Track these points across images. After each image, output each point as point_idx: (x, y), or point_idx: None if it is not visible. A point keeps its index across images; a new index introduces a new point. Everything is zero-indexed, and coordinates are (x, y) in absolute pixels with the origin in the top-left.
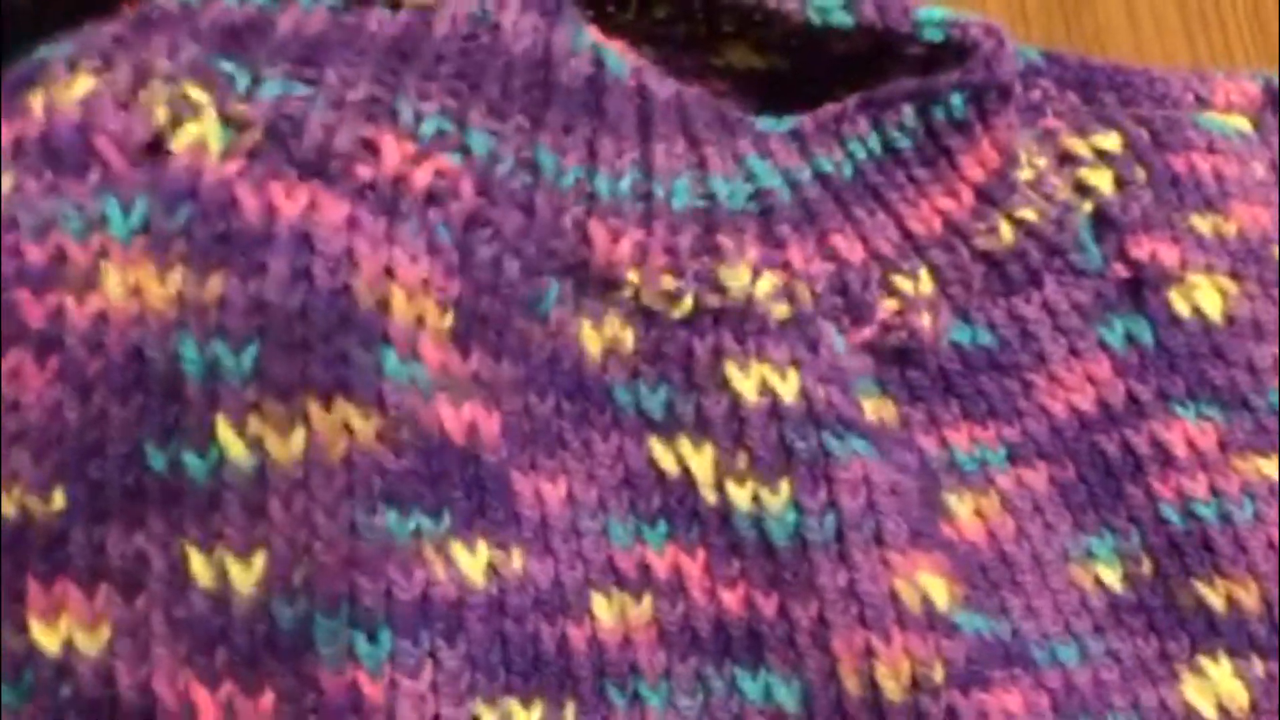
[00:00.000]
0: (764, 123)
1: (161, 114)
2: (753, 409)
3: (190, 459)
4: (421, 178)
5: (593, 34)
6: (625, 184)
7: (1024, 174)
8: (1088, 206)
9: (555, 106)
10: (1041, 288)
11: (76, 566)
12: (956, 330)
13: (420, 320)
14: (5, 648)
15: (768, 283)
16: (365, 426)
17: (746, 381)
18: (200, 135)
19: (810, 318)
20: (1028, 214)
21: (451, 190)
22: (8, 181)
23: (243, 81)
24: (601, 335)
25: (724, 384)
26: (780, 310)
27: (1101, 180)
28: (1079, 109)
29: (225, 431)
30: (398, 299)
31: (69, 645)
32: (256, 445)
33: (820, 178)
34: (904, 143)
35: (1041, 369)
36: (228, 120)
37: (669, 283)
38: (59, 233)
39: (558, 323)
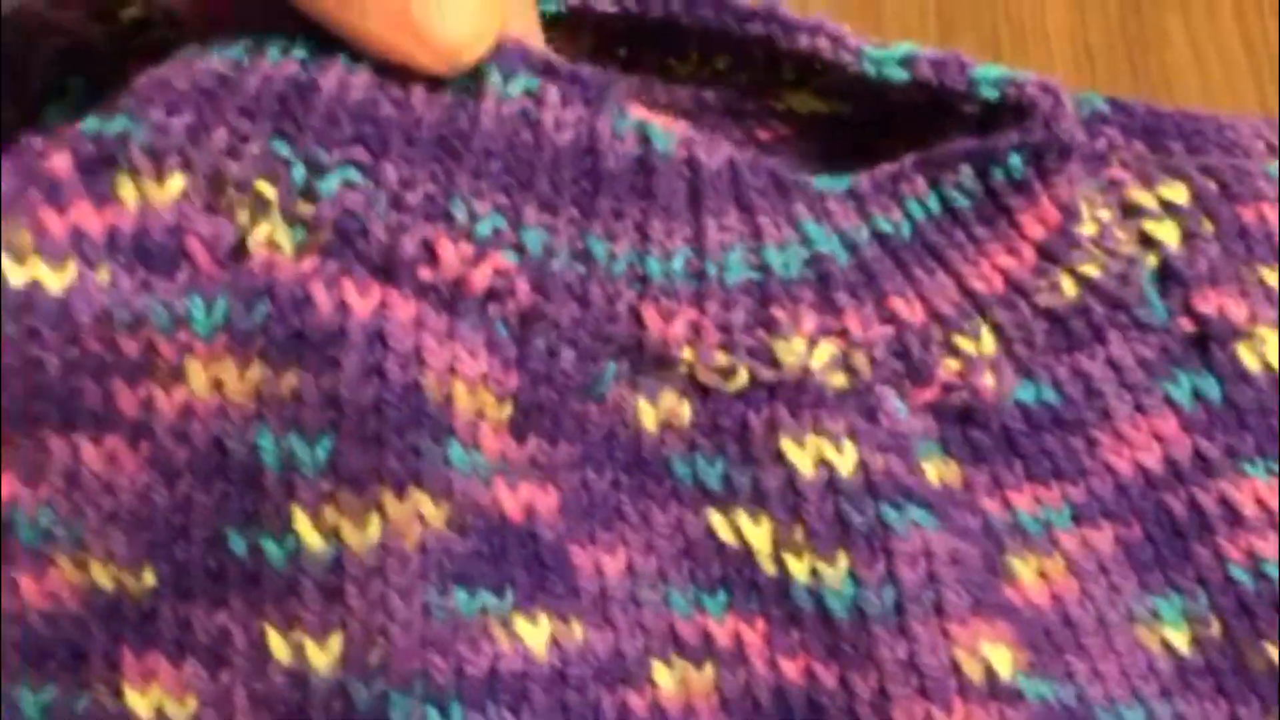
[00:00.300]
0: (821, 182)
1: (242, 216)
2: (809, 483)
3: (269, 545)
4: (480, 279)
5: (638, 111)
6: (677, 263)
7: (1086, 229)
8: (1153, 260)
9: (604, 193)
10: (1106, 344)
11: (166, 640)
12: (1020, 389)
13: (480, 413)
14: (101, 710)
15: (824, 353)
16: (436, 513)
17: (802, 455)
18: (272, 233)
19: (869, 385)
20: (1090, 269)
21: (508, 289)
22: (105, 274)
23: (300, 173)
24: (658, 410)
25: (779, 458)
26: (837, 380)
27: (1167, 233)
28: (1145, 158)
29: (302, 521)
30: (460, 394)
31: (159, 712)
32: (333, 534)
33: (878, 238)
34: (963, 202)
35: (1106, 426)
36: (295, 219)
37: (723, 359)
38: (149, 328)
39: (614, 401)
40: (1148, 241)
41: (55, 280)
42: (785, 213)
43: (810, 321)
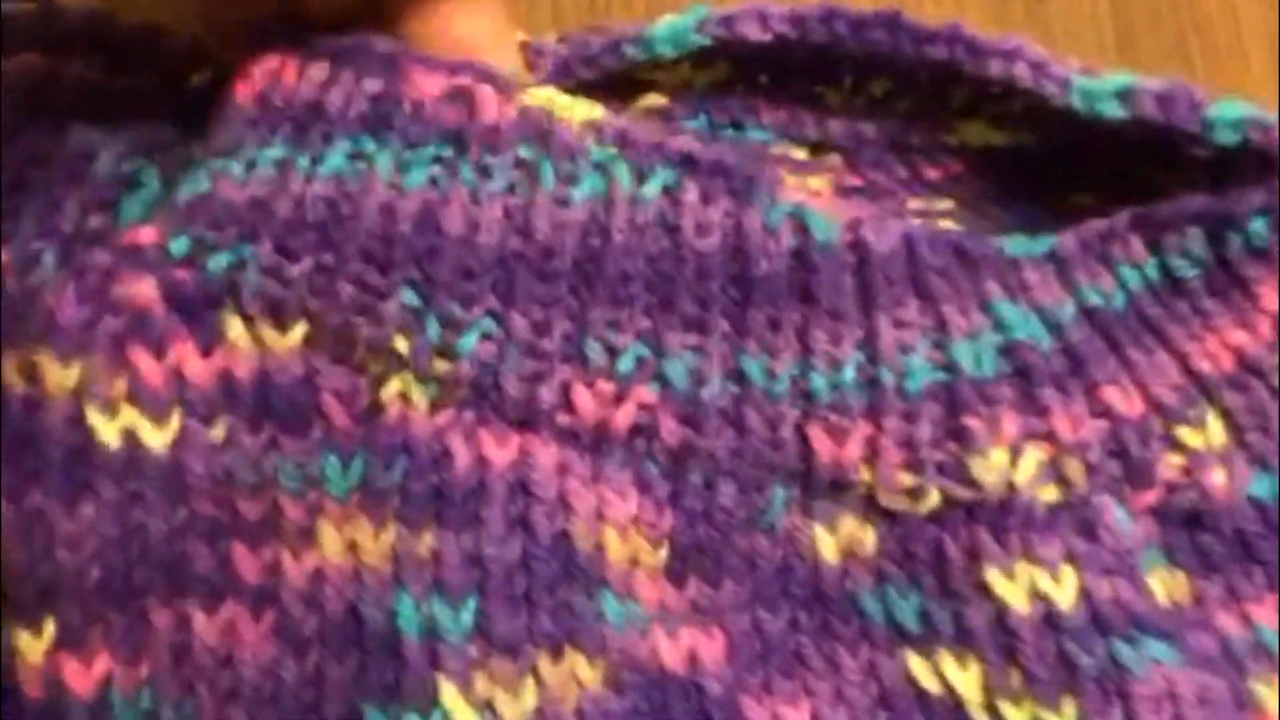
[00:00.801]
0: (1015, 246)
1: (375, 368)
2: (1023, 619)
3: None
4: (623, 419)
5: (792, 193)
6: (848, 373)
7: None
8: None
9: (758, 303)
10: None
11: None
12: (1255, 483)
13: (634, 559)
14: None
15: (1031, 462)
16: (592, 674)
17: (1013, 588)
18: (406, 389)
19: (1085, 497)
20: None
21: (654, 425)
22: (220, 430)
23: (435, 329)
24: (838, 538)
25: (985, 591)
26: (1048, 494)
27: None
28: None
29: (449, 693)
30: (611, 541)
31: None
32: (485, 707)
33: (1087, 313)
34: (1189, 271)
35: None
36: (430, 376)
37: (908, 479)
38: (277, 489)
39: (787, 531)
40: None
41: (157, 436)
42: (975, 294)
43: (1012, 426)
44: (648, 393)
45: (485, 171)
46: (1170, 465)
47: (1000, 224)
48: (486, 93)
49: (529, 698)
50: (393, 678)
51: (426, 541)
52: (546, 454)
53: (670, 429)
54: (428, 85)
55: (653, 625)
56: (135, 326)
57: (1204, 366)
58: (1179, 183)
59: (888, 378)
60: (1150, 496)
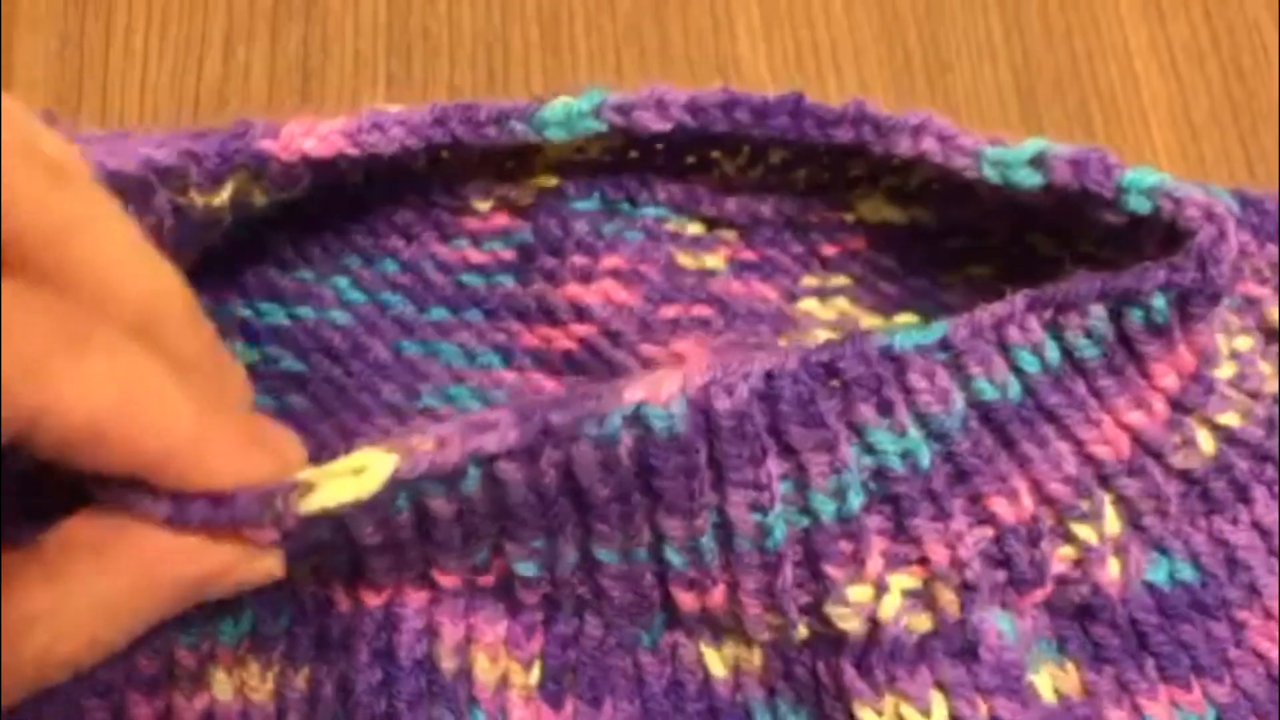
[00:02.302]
0: (903, 338)
1: None
2: None
3: None
4: (486, 581)
5: (633, 392)
6: (704, 543)
7: (1224, 371)
8: None
9: (602, 512)
10: (1251, 504)
11: None
12: (1151, 569)
13: (505, 680)
14: None
15: (896, 596)
16: None
17: None
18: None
19: (961, 620)
20: (1229, 418)
21: (515, 588)
22: None
23: None
24: (723, 656)
25: None
26: (919, 623)
27: None
28: None
29: None
30: (480, 662)
31: None
32: None
33: (979, 409)
34: (1090, 351)
35: (1255, 605)
36: None
37: (772, 620)
38: (174, 644)
39: (671, 648)
40: None
41: None
42: (845, 423)
43: (878, 561)
44: (505, 567)
45: None
46: (1061, 559)
47: (895, 299)
48: None
49: None
50: None
51: (304, 674)
52: (418, 595)
53: (529, 595)
54: None
55: None
56: None
57: (1101, 452)
58: (1070, 255)
59: (743, 543)
60: (1039, 594)
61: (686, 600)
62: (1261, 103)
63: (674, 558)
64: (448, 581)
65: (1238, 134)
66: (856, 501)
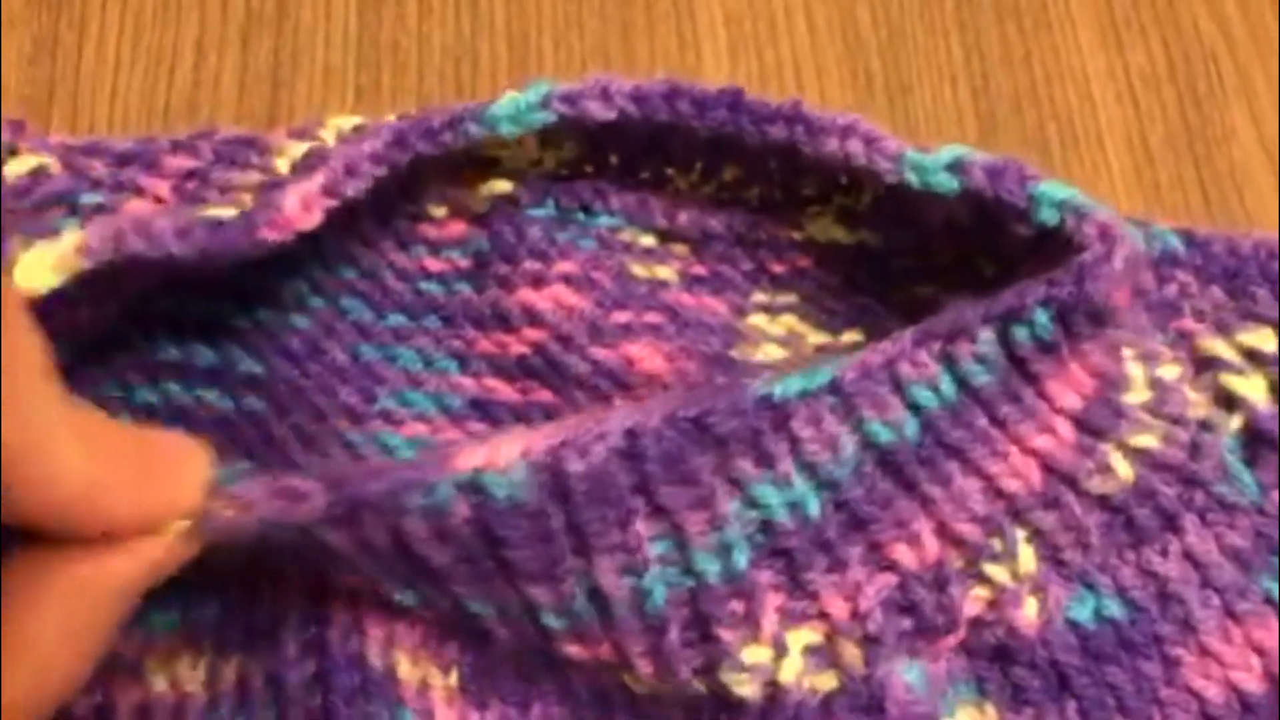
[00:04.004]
0: (790, 385)
1: None
2: None
3: None
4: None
5: (468, 458)
6: (578, 605)
7: (1135, 396)
8: (1235, 422)
9: (452, 578)
10: (1181, 533)
11: None
12: (1075, 604)
13: (425, 683)
14: None
15: (796, 658)
16: None
17: None
18: None
19: (865, 676)
20: (1147, 440)
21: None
22: None
23: None
24: (647, 685)
25: None
26: (824, 682)
27: (1252, 389)
28: (1224, 306)
29: None
30: (402, 663)
31: None
32: None
33: (873, 453)
34: (983, 378)
35: (1190, 640)
36: None
37: (667, 681)
38: None
39: (590, 662)
40: (1228, 401)
41: None
42: (723, 479)
43: (772, 620)
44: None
45: None
46: (975, 600)
47: (843, 317)
48: None
49: None
50: None
51: (234, 666)
52: (342, 594)
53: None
54: None
55: None
56: None
57: (1011, 485)
58: (1009, 279)
59: (620, 607)
60: (951, 640)
61: (575, 652)
62: (1216, 129)
63: (550, 620)
64: (365, 590)
65: (1192, 159)
66: (743, 558)
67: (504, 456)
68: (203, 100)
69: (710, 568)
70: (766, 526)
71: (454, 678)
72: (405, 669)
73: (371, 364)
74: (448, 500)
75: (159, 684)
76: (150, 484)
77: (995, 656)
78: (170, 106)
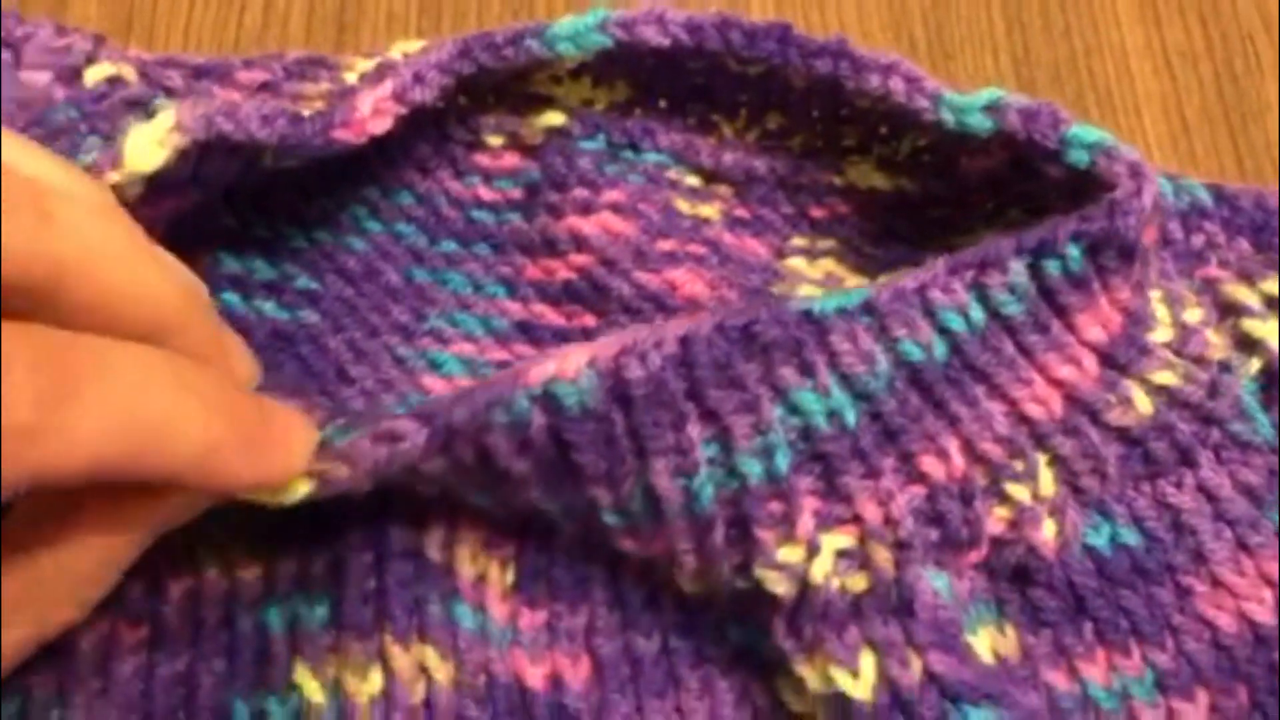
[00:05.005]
0: (828, 302)
1: None
2: (829, 703)
3: (272, 705)
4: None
5: (539, 371)
6: (635, 507)
7: (1159, 335)
8: (1254, 365)
9: (526, 484)
10: (1196, 468)
11: None
12: (1091, 532)
13: (483, 577)
14: None
15: (829, 557)
16: (442, 670)
17: (814, 676)
18: None
19: (895, 579)
20: (1167, 378)
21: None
22: None
23: None
24: (688, 580)
25: (799, 679)
26: (855, 583)
27: (1272, 333)
28: (1249, 256)
29: (302, 673)
30: (462, 558)
31: None
32: (334, 685)
33: (905, 370)
34: (1013, 308)
35: (1202, 571)
36: None
37: (711, 575)
38: None
39: (642, 558)
40: (1248, 344)
41: None
42: (767, 385)
43: (808, 522)
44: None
45: None
46: (997, 520)
47: (879, 263)
48: None
49: (375, 680)
50: (257, 671)
51: (293, 552)
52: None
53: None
54: None
55: (513, 645)
56: None
57: (1034, 411)
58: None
59: (671, 508)
60: (975, 555)
61: (630, 546)
62: (1252, 103)
63: (609, 519)
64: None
65: (1228, 131)
66: (784, 461)
67: (573, 366)
68: (270, 40)
69: (753, 470)
70: (807, 433)
71: (510, 575)
72: (464, 564)
73: (423, 286)
74: (525, 412)
75: (211, 571)
76: (265, 448)
77: (1015, 577)
78: (239, 43)
